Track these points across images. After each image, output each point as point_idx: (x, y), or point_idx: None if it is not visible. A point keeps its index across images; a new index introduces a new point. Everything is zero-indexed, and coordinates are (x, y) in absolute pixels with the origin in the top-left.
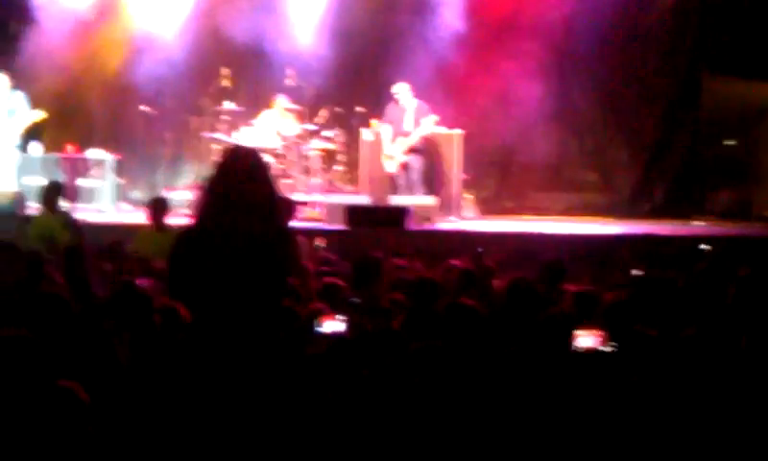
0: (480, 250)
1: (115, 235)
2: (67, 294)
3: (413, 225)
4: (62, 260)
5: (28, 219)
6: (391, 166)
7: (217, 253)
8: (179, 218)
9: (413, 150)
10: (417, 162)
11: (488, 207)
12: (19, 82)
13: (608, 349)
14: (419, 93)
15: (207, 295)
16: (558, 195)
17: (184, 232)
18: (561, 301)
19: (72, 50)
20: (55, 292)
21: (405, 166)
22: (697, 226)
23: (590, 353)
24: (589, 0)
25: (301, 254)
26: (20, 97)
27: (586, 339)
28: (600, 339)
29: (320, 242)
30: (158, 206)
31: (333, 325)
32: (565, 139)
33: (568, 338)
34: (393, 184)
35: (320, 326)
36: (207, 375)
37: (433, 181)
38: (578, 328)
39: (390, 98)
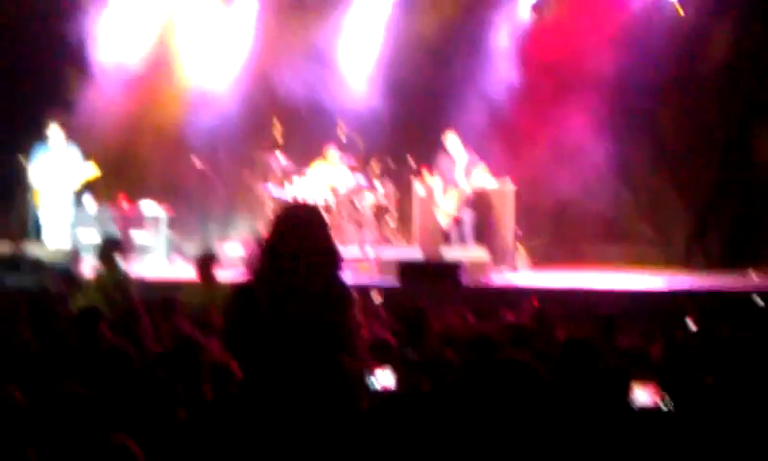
0: (535, 304)
1: (168, 290)
2: (125, 349)
3: (465, 279)
4: (119, 316)
5: (81, 276)
6: (443, 220)
7: (274, 309)
8: (230, 272)
9: (465, 203)
10: (469, 216)
11: (541, 260)
12: (74, 135)
13: (664, 404)
14: (471, 145)
15: (263, 351)
16: (612, 247)
17: (241, 287)
18: (615, 355)
19: (126, 104)
20: (114, 346)
21: (457, 220)
22: (753, 277)
23: (648, 410)
24: (643, 52)
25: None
26: (74, 151)
27: (642, 394)
28: (657, 394)
29: (377, 297)
30: (206, 261)
31: (384, 378)
32: (619, 190)
33: (625, 393)
34: (445, 238)
35: (370, 380)
36: (260, 432)
37: (485, 234)
38: (633, 383)
39: (441, 150)
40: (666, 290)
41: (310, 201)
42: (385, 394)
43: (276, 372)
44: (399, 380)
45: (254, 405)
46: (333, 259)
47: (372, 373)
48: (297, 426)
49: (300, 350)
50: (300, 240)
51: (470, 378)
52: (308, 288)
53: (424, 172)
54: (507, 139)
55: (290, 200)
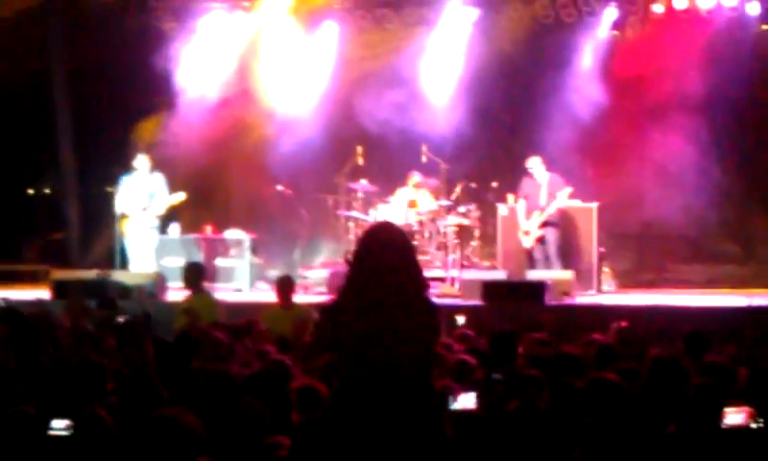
0: (622, 324)
1: (252, 314)
2: (222, 372)
3: (551, 299)
4: (205, 339)
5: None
6: (527, 241)
7: (364, 329)
8: (314, 296)
9: (548, 224)
10: (553, 236)
11: (626, 280)
12: (159, 163)
13: (755, 423)
14: (555, 166)
15: (349, 371)
16: (698, 267)
17: (329, 308)
18: (704, 374)
19: (211, 132)
20: (210, 371)
21: (541, 240)
22: None
23: (738, 428)
24: (729, 72)
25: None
26: (160, 179)
27: (734, 416)
28: (748, 415)
29: (460, 318)
30: (285, 285)
31: (465, 400)
32: (705, 210)
33: (716, 414)
34: (530, 259)
35: (453, 401)
36: (347, 455)
37: (570, 254)
38: (724, 403)
39: (524, 172)
40: (753, 307)
41: (393, 222)
42: (466, 415)
43: (362, 393)
44: (482, 402)
45: (341, 428)
46: (419, 279)
47: (454, 395)
48: (384, 450)
49: (387, 371)
50: (385, 259)
51: (559, 399)
52: (394, 307)
53: (509, 196)
54: (589, 160)
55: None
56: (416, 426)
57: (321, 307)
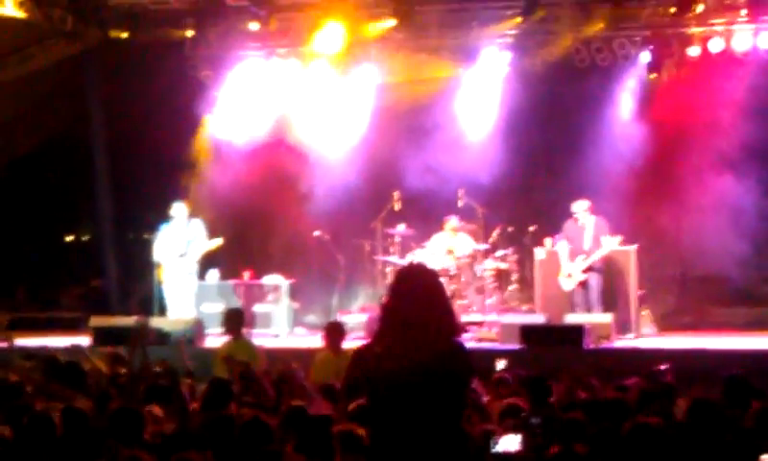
0: (662, 367)
1: (293, 360)
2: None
3: (590, 343)
4: (247, 386)
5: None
6: (569, 284)
7: (393, 372)
8: (354, 342)
9: (593, 269)
10: (596, 281)
11: (666, 323)
12: (197, 210)
13: None
14: (599, 209)
15: (384, 415)
16: (738, 309)
17: (360, 351)
18: (746, 419)
19: (248, 178)
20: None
21: (584, 285)
22: None
23: None
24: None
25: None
26: (198, 225)
27: None
28: None
29: (501, 362)
30: (335, 330)
31: (508, 442)
32: (745, 251)
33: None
34: (570, 303)
35: (495, 444)
36: None
37: (609, 297)
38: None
39: (565, 215)
40: None
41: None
42: (509, 457)
43: (393, 437)
44: (525, 444)
45: None
46: (450, 322)
47: (496, 438)
48: None
49: (421, 414)
50: (414, 301)
51: (600, 443)
52: (423, 350)
53: (547, 239)
54: (630, 201)
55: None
56: None
57: (353, 351)
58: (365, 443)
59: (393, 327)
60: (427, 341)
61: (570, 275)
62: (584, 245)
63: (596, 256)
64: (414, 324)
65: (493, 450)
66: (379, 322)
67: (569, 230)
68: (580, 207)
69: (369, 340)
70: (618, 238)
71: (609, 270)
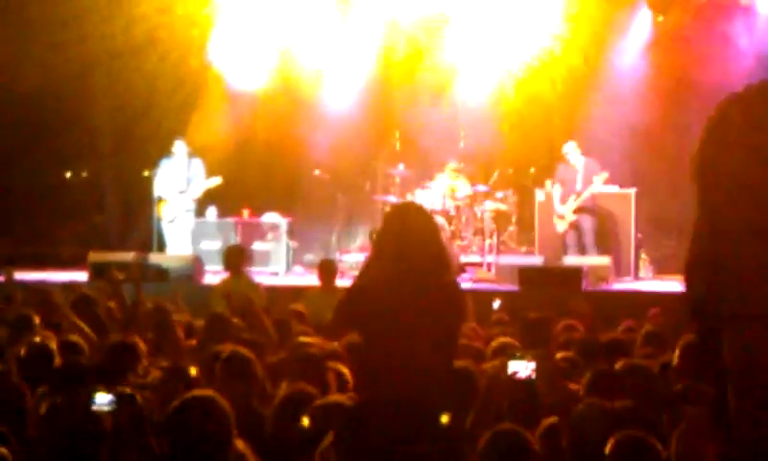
0: (659, 309)
1: (288, 298)
2: (249, 354)
3: (588, 285)
4: (242, 322)
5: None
6: (561, 226)
7: (384, 308)
8: (351, 280)
9: (584, 209)
10: (587, 222)
11: (664, 267)
12: (196, 148)
13: None
14: (592, 151)
15: (374, 352)
16: None
17: (351, 289)
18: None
19: (248, 116)
20: (239, 351)
21: (575, 226)
22: None
23: None
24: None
25: (470, 313)
26: (198, 164)
27: None
28: None
29: (497, 302)
30: (328, 268)
31: (520, 366)
32: None
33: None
34: (563, 245)
35: (507, 367)
36: (374, 441)
37: (607, 240)
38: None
39: (561, 157)
40: None
41: (431, 209)
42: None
43: (386, 373)
44: (539, 371)
45: (368, 410)
46: (443, 261)
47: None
48: (405, 433)
49: (411, 351)
50: (407, 240)
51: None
52: (415, 288)
53: (547, 181)
54: (628, 145)
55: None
56: (437, 409)
57: (344, 290)
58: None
59: (384, 265)
60: (419, 279)
61: (562, 216)
62: (576, 186)
63: (586, 195)
64: (405, 261)
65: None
66: (370, 259)
67: (561, 173)
68: (570, 149)
69: (362, 274)
70: (605, 174)
71: (607, 213)
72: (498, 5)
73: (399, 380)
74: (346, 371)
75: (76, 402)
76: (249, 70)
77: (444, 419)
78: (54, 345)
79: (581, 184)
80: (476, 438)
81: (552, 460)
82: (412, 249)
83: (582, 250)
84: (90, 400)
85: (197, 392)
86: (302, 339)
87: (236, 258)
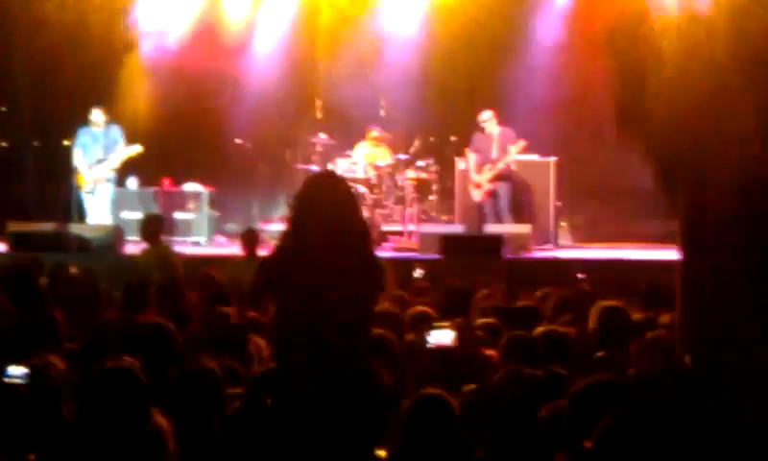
0: (580, 276)
1: (210, 267)
2: (168, 325)
3: (508, 253)
4: (161, 292)
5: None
6: (477, 195)
7: (300, 277)
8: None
9: (499, 177)
10: (504, 190)
11: (584, 235)
12: (115, 116)
13: None
14: (511, 120)
15: (292, 323)
16: (656, 222)
17: (267, 258)
18: (658, 328)
19: (168, 84)
20: (157, 322)
21: (492, 194)
22: None
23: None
24: None
25: (391, 283)
26: (116, 131)
27: None
28: None
29: (418, 271)
30: (250, 237)
31: (441, 336)
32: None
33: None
34: (480, 213)
35: (429, 338)
36: (295, 413)
37: (523, 209)
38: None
39: (477, 126)
40: None
41: (350, 177)
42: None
43: (300, 343)
44: (459, 339)
45: (282, 380)
46: (360, 228)
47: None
48: (321, 401)
49: (330, 321)
50: (324, 208)
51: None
52: (333, 256)
53: (467, 150)
54: (547, 113)
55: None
56: (352, 378)
57: (260, 260)
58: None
59: (300, 232)
60: (335, 248)
61: (479, 185)
62: (492, 155)
63: (501, 165)
64: (321, 231)
65: (428, 345)
66: (287, 228)
67: (477, 142)
68: (486, 117)
69: (279, 244)
70: (521, 143)
71: (524, 182)
72: None
73: (317, 349)
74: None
75: None
76: (169, 33)
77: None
78: None
79: (496, 153)
80: (397, 405)
81: (472, 426)
82: (328, 219)
83: (499, 217)
84: (3, 373)
85: (113, 363)
86: (222, 309)
87: (154, 228)
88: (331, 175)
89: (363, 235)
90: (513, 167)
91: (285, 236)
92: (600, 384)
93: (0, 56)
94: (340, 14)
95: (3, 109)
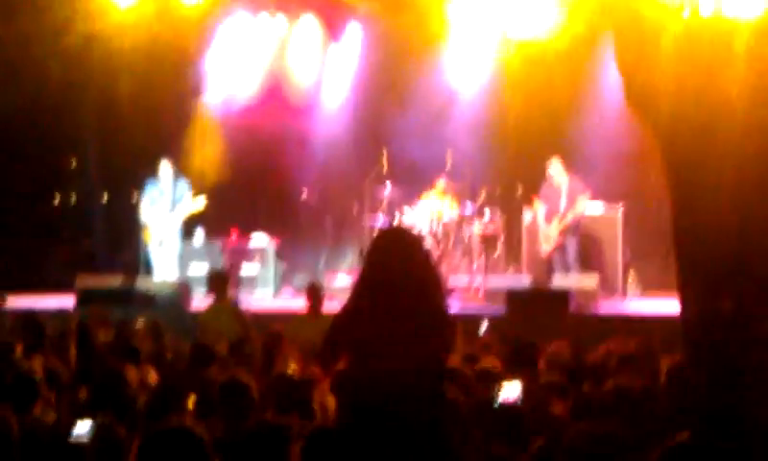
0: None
1: (277, 322)
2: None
3: (574, 307)
4: (230, 350)
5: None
6: (546, 247)
7: (372, 335)
8: (339, 302)
9: (568, 230)
10: (572, 242)
11: (653, 286)
12: (183, 169)
13: None
14: (578, 167)
15: (364, 376)
16: None
17: (340, 314)
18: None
19: (236, 137)
20: (234, 377)
21: (561, 247)
22: None
23: None
24: None
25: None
26: (183, 185)
27: None
28: None
29: (484, 325)
30: (315, 293)
31: (509, 391)
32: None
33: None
34: (549, 266)
35: (496, 393)
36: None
37: (592, 261)
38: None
39: (545, 177)
40: None
41: (417, 229)
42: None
43: (372, 400)
44: (525, 392)
45: (352, 436)
46: (432, 282)
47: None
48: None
49: (401, 375)
50: (396, 263)
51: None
52: (405, 314)
53: (535, 200)
54: (618, 159)
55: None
56: (424, 435)
57: (333, 316)
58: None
59: (372, 292)
60: (407, 306)
61: (548, 237)
62: (560, 205)
63: (570, 217)
64: (393, 288)
65: (496, 402)
66: (358, 285)
67: (545, 191)
68: (553, 166)
69: (350, 300)
70: (587, 195)
71: (592, 232)
72: (490, 20)
73: (388, 407)
74: (330, 399)
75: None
76: (235, 89)
77: None
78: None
79: (564, 203)
80: None
81: None
82: (400, 275)
83: (566, 269)
84: (69, 432)
85: (174, 422)
86: (287, 367)
87: (220, 283)
88: (403, 230)
89: (436, 293)
90: (581, 219)
91: (357, 292)
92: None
93: (69, 110)
94: (407, 67)
95: (72, 162)
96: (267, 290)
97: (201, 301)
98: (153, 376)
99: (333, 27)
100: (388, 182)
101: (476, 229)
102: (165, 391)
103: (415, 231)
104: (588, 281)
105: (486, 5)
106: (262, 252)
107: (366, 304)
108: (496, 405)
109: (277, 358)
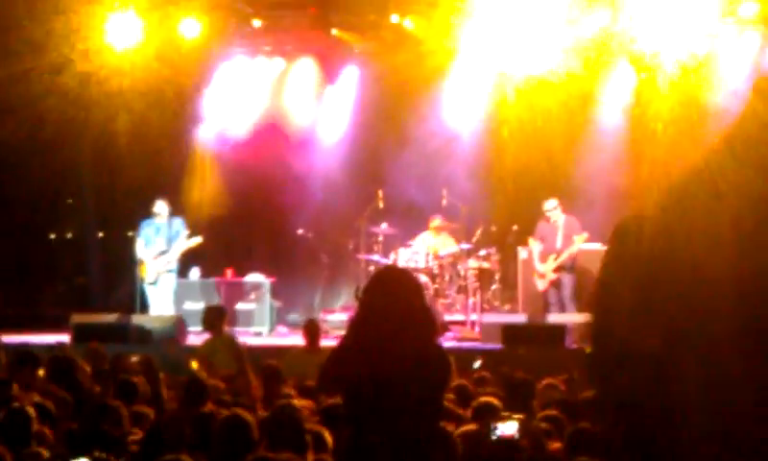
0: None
1: (272, 357)
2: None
3: (571, 343)
4: (227, 385)
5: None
6: (541, 284)
7: (369, 370)
8: (335, 340)
9: (563, 268)
10: (568, 279)
11: None
12: (178, 208)
13: None
14: (573, 207)
15: (359, 413)
16: None
17: (336, 350)
18: None
19: (230, 176)
20: (236, 414)
21: (556, 284)
22: None
23: None
24: None
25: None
26: (179, 223)
27: None
28: None
29: (478, 362)
30: (312, 329)
31: (506, 428)
32: None
33: None
34: (545, 302)
35: (495, 431)
36: None
37: (587, 297)
38: None
39: (542, 215)
40: None
41: (413, 267)
42: (506, 443)
43: (367, 436)
44: (522, 430)
45: None
46: (428, 321)
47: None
48: None
49: (395, 414)
50: (392, 303)
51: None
52: (402, 349)
53: (530, 239)
54: (613, 199)
55: (384, 264)
56: None
57: (330, 350)
58: (332, 444)
59: (369, 327)
60: (403, 342)
61: (543, 275)
62: (556, 244)
63: (566, 255)
64: (389, 325)
65: (493, 437)
66: (354, 321)
67: (542, 230)
68: (550, 206)
69: (346, 337)
70: (585, 235)
71: (587, 270)
72: (488, 59)
73: (384, 443)
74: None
75: None
76: (231, 128)
77: None
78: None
79: (561, 242)
80: None
81: None
82: (396, 313)
83: (562, 306)
84: None
85: (169, 457)
86: (285, 400)
87: (216, 319)
88: (400, 270)
89: (430, 329)
90: (577, 255)
91: (353, 330)
92: None
93: (66, 148)
94: (403, 107)
95: (68, 201)
96: (262, 327)
97: (196, 336)
98: (148, 413)
99: (330, 70)
100: (383, 222)
101: (471, 264)
102: (160, 428)
103: (410, 269)
104: (585, 318)
105: (483, 45)
106: (257, 288)
107: (361, 342)
108: (494, 439)
109: (276, 392)
